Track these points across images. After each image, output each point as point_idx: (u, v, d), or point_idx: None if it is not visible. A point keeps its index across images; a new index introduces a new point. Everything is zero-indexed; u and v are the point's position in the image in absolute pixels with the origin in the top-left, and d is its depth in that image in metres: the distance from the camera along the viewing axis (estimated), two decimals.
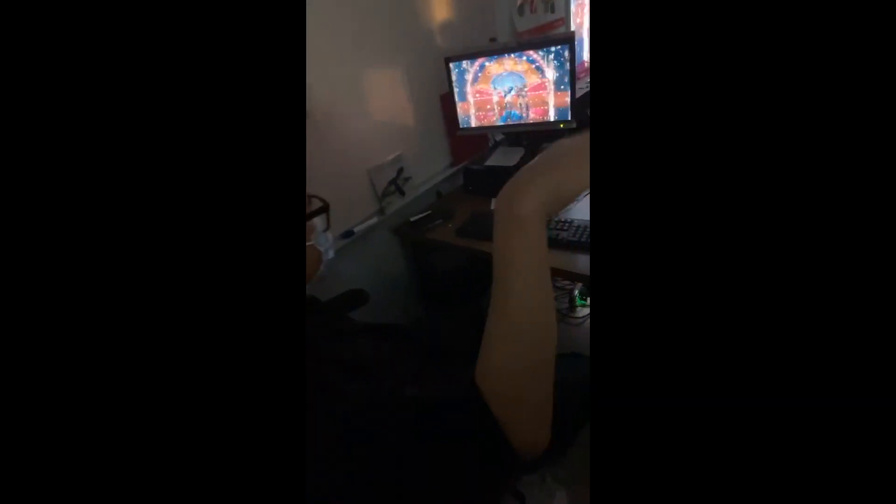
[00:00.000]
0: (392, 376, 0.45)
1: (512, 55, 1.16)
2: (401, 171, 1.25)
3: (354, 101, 1.09)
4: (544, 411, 0.38)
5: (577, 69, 1.13)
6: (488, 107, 1.26)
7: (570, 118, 1.17)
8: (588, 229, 0.97)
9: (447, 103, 1.32)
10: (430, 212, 1.24)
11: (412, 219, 1.24)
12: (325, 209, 0.55)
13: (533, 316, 0.36)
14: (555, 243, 0.98)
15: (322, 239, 0.56)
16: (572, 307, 1.64)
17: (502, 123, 1.28)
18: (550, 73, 1.14)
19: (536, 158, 0.38)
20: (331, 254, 0.58)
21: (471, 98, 1.27)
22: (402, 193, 1.27)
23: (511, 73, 1.18)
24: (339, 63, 1.01)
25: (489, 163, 1.33)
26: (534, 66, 1.15)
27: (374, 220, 1.17)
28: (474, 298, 1.49)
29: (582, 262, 0.92)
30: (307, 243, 0.54)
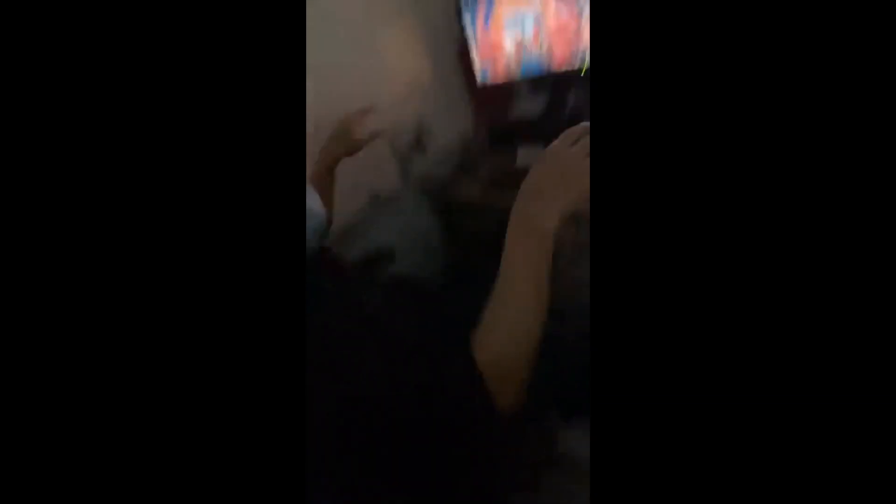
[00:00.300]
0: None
1: None
2: (423, 130, 1.23)
3: (369, 61, 1.07)
4: (523, 383, 0.43)
5: None
6: (503, 58, 1.21)
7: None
8: None
9: (465, 57, 1.27)
10: (456, 170, 1.23)
11: (438, 178, 1.22)
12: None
13: (530, 316, 0.42)
14: None
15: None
16: None
17: (523, 74, 1.22)
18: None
19: (547, 165, 0.43)
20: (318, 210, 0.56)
21: (485, 49, 1.21)
22: (426, 154, 1.25)
23: (525, 13, 1.12)
24: (348, 24, 0.99)
25: (512, 117, 1.29)
26: None
27: (398, 183, 1.17)
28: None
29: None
30: None
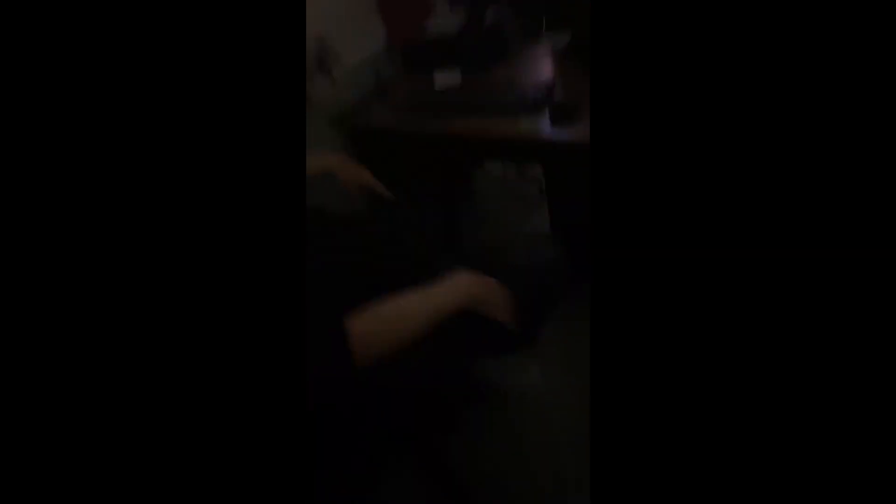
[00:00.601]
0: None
1: None
2: (326, 51, 1.08)
3: None
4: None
5: None
6: None
7: None
8: (532, 91, 0.87)
9: None
10: (367, 95, 1.10)
11: (347, 105, 1.09)
12: None
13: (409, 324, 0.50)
14: (497, 109, 0.87)
15: None
16: (543, 196, 1.57)
17: None
18: None
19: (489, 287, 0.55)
20: None
21: None
22: (333, 77, 1.10)
23: None
24: None
25: (429, 34, 1.16)
26: None
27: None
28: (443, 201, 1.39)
29: (526, 122, 0.83)
30: None
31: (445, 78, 1.10)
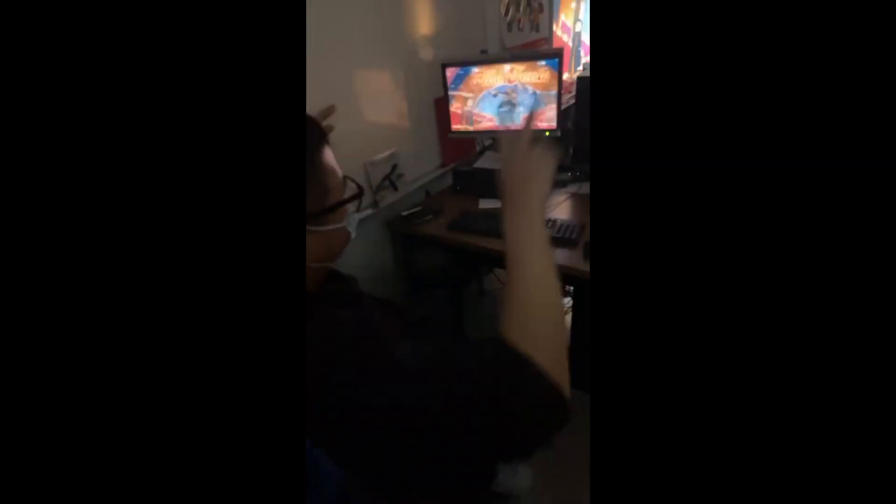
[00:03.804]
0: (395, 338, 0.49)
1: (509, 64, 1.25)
2: (395, 167, 1.31)
3: (348, 100, 1.14)
4: (562, 364, 0.41)
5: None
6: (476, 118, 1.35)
7: (556, 128, 1.27)
8: (567, 227, 1.07)
9: (441, 107, 1.39)
10: (420, 207, 1.31)
11: (404, 213, 1.29)
12: (360, 195, 0.58)
13: (544, 280, 0.45)
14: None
15: (352, 220, 0.59)
16: None
17: (492, 129, 1.36)
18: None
19: (512, 171, 0.51)
20: (353, 234, 0.61)
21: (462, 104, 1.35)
22: (396, 188, 1.32)
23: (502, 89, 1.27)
24: (332, 63, 1.06)
25: (477, 165, 1.41)
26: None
27: (368, 212, 1.22)
28: (454, 293, 1.56)
29: (558, 256, 1.01)
30: (341, 225, 0.56)
31: (488, 203, 1.32)
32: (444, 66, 1.30)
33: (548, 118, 1.27)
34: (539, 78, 1.23)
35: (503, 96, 1.30)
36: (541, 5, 1.93)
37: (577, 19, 2.06)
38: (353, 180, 0.59)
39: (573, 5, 1.99)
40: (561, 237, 1.05)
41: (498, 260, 1.19)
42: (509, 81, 1.27)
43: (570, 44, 2.10)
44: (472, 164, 1.43)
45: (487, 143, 1.64)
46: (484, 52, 1.59)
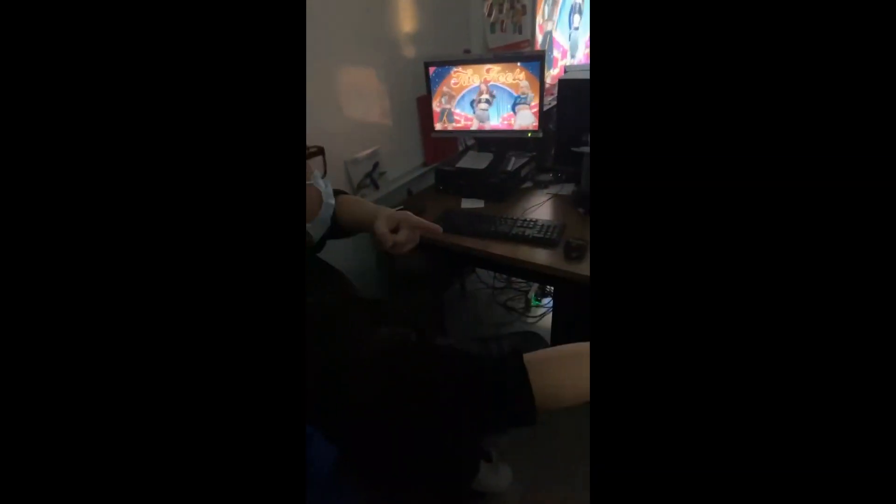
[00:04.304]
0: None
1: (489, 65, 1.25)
2: (376, 165, 1.30)
3: (330, 96, 1.13)
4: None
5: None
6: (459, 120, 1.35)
7: (537, 129, 1.28)
8: (548, 227, 1.08)
9: (423, 105, 1.39)
10: (402, 206, 1.30)
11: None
12: (320, 152, 0.59)
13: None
14: (521, 239, 1.07)
15: (319, 181, 0.60)
16: (528, 307, 1.75)
17: (474, 129, 1.37)
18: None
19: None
20: (331, 200, 0.61)
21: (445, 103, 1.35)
22: (377, 187, 1.32)
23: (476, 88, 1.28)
24: (315, 60, 1.04)
25: (460, 165, 1.41)
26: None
27: None
28: (437, 293, 1.56)
29: (540, 256, 1.02)
30: (308, 182, 0.57)
31: (470, 202, 1.32)
32: (426, 65, 1.30)
33: (529, 120, 1.28)
34: (515, 79, 1.24)
35: (481, 96, 1.31)
36: (524, 7, 1.94)
37: (547, 18, 2.08)
38: (314, 146, 0.60)
39: (544, 6, 2.02)
40: (542, 237, 1.06)
41: (481, 260, 1.22)
42: (486, 82, 1.28)
43: (543, 44, 2.12)
44: (454, 164, 1.43)
45: (470, 142, 1.64)
46: (467, 51, 1.59)
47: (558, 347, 0.47)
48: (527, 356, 0.45)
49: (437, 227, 0.62)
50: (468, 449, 0.48)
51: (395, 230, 0.60)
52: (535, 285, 1.80)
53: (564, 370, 0.45)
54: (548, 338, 1.23)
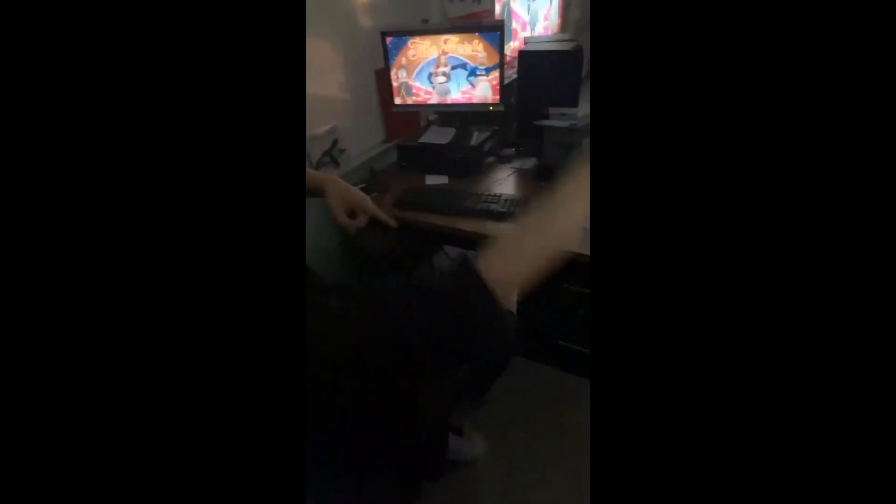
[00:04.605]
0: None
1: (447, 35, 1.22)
2: (335, 142, 1.26)
3: None
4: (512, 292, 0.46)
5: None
6: (419, 93, 1.32)
7: (499, 102, 1.27)
8: (512, 201, 1.08)
9: (382, 78, 1.34)
10: (364, 185, 1.27)
11: None
12: None
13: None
14: (486, 214, 1.07)
15: None
16: None
17: (434, 102, 1.34)
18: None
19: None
20: None
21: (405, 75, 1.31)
22: (338, 165, 1.27)
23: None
24: None
25: (422, 140, 1.39)
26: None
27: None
28: (404, 273, 1.55)
29: (506, 230, 1.01)
30: None
31: (434, 179, 1.31)
32: (383, 35, 1.25)
33: (488, 93, 1.27)
34: (473, 51, 1.22)
35: (438, 69, 1.27)
36: None
37: None
38: None
39: None
40: (507, 212, 1.06)
41: (448, 237, 1.21)
42: (444, 53, 1.24)
43: (501, 14, 2.08)
44: (417, 139, 1.40)
45: (432, 117, 1.61)
46: (425, 21, 1.54)
47: (502, 235, 0.49)
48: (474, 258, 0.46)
49: (392, 222, 0.73)
50: (443, 406, 0.48)
51: (351, 214, 0.62)
52: None
53: (514, 252, 0.49)
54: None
